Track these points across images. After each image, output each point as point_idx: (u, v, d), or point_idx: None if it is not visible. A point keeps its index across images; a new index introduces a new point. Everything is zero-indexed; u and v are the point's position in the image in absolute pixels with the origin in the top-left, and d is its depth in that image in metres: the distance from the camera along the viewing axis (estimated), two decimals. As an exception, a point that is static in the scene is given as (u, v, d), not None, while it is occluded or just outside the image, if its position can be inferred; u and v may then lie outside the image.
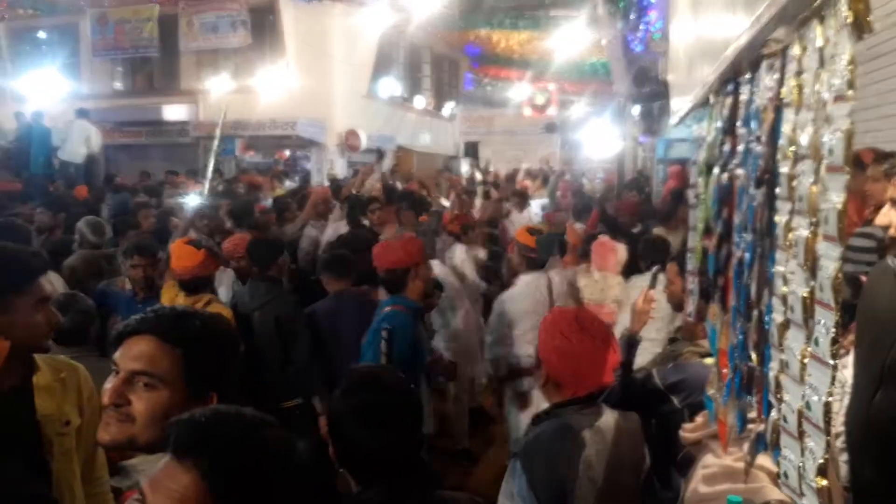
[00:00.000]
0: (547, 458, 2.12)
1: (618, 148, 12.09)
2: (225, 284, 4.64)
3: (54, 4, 16.15)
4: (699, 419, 2.11)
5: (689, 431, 2.12)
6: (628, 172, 12.89)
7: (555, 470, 2.09)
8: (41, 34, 17.46)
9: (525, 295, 4.32)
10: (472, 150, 23.59)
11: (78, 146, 11.06)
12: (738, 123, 1.66)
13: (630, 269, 5.21)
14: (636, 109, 12.22)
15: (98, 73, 17.04)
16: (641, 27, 11.47)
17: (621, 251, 4.37)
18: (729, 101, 1.76)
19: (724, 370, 1.76)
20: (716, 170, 1.90)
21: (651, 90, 10.33)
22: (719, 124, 1.85)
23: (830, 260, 1.00)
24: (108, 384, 1.38)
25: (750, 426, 1.55)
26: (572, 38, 14.34)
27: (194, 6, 15.29)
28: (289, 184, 12.56)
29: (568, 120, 22.98)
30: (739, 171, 1.61)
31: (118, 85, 17.51)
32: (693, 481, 1.88)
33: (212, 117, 15.72)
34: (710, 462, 1.85)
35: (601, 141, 15.58)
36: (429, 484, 1.78)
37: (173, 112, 16.01)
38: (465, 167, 20.34)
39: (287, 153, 17.35)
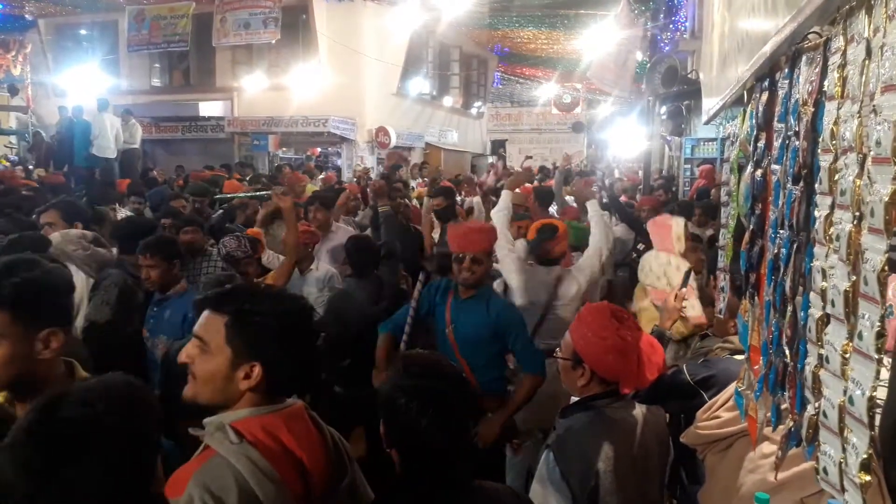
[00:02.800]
0: (579, 449, 2.13)
1: (644, 147, 11.98)
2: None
3: (95, 1, 16.48)
4: (725, 415, 2.11)
5: (714, 428, 2.12)
6: (655, 172, 12.79)
7: (587, 461, 2.10)
8: (82, 31, 17.87)
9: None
10: (498, 148, 23.59)
11: (106, 140, 11.19)
12: (775, 119, 1.66)
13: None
14: (664, 109, 12.11)
15: (136, 70, 17.41)
16: (671, 27, 11.40)
17: (677, 225, 3.91)
18: (765, 97, 1.76)
19: (756, 366, 1.76)
20: (749, 166, 1.90)
21: (679, 90, 10.22)
22: (754, 121, 1.85)
23: (876, 253, 0.98)
24: None
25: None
26: (601, 38, 14.25)
27: (229, 3, 15.52)
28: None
29: (595, 119, 22.84)
30: (776, 167, 1.61)
31: (156, 81, 17.85)
32: (754, 473, 1.85)
33: (246, 114, 15.98)
34: (772, 449, 1.80)
35: (628, 140, 15.45)
36: (472, 473, 1.78)
37: (209, 108, 16.27)
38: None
39: (318, 150, 17.53)
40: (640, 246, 6.44)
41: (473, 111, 22.21)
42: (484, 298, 3.44)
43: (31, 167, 11.18)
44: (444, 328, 3.45)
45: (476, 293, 3.43)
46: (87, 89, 13.92)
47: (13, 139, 14.34)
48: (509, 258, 4.15)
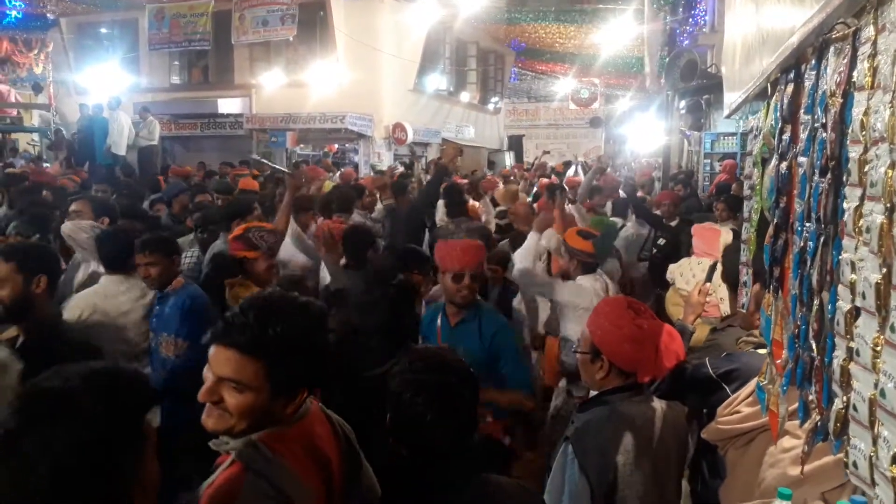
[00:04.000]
0: (598, 443, 2.13)
1: (663, 142, 11.89)
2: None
3: (115, 0, 16.66)
4: (746, 409, 2.09)
5: (735, 423, 2.10)
6: (674, 167, 12.71)
7: (606, 455, 2.10)
8: (103, 29, 18.05)
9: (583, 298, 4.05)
10: (515, 144, 23.51)
11: (119, 138, 11.31)
12: (801, 111, 1.64)
13: (670, 263, 5.13)
14: (683, 103, 12.01)
15: (156, 68, 17.56)
16: (690, 21, 11.29)
17: (726, 233, 3.81)
18: (790, 88, 1.74)
19: (778, 360, 1.75)
20: (774, 159, 1.88)
21: (699, 84, 10.13)
22: (778, 113, 1.83)
23: (912, 244, 0.96)
24: (206, 381, 1.53)
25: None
26: (618, 33, 14.17)
27: (247, 1, 15.62)
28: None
29: (613, 114, 22.71)
30: (802, 159, 1.59)
31: (175, 79, 18.00)
32: (775, 468, 1.84)
33: (264, 110, 16.08)
34: (793, 444, 1.80)
35: (646, 135, 15.34)
36: (478, 467, 1.78)
37: (227, 105, 16.39)
38: (508, 160, 20.30)
39: (336, 146, 17.58)
40: (661, 241, 6.41)
41: (490, 107, 22.16)
42: (476, 319, 3.24)
43: (46, 165, 11.29)
44: None
45: (465, 315, 3.25)
46: (108, 87, 14.07)
47: (35, 136, 14.54)
48: (539, 276, 4.09)
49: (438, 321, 3.32)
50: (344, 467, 1.69)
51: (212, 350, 1.52)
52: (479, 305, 3.35)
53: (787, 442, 1.84)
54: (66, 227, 4.08)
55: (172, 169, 10.56)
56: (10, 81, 14.01)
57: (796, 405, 1.65)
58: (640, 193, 8.67)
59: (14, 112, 13.72)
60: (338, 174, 11.43)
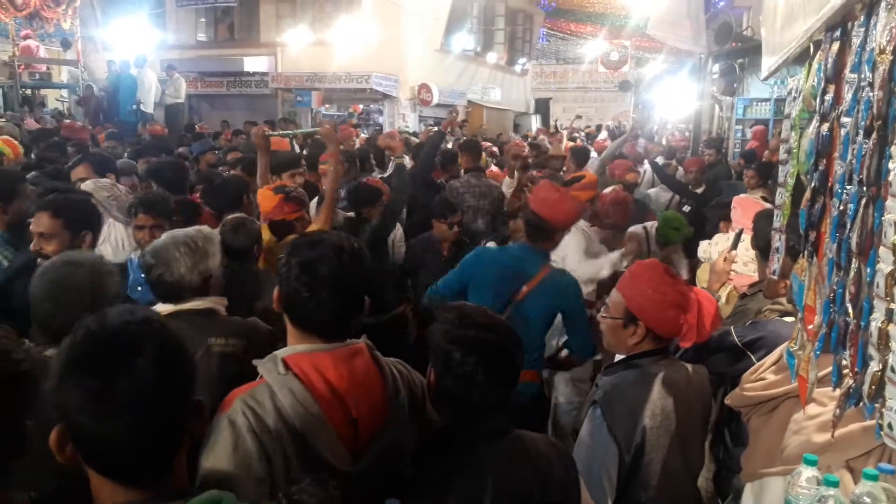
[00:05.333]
0: (628, 406, 2.14)
1: (694, 107, 11.64)
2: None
3: (143, -45, 16.57)
4: (771, 377, 2.08)
5: (759, 390, 2.09)
6: (704, 133, 12.50)
7: (635, 418, 2.11)
8: (130, -16, 17.97)
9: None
10: (542, 107, 23.19)
11: (146, 96, 11.36)
12: (847, 70, 1.59)
13: (697, 231, 5.08)
14: (716, 67, 11.72)
15: (182, 24, 17.54)
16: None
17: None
18: (835, 47, 1.69)
19: (810, 326, 1.73)
20: (814, 121, 1.83)
21: (733, 47, 9.87)
22: (822, 73, 1.78)
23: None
24: None
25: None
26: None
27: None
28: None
29: (642, 78, 22.24)
30: (846, 120, 1.54)
31: (201, 36, 17.97)
32: (799, 434, 1.84)
33: (290, 69, 16.02)
34: (818, 411, 1.80)
35: (676, 100, 15.02)
36: (511, 422, 1.80)
37: (253, 64, 16.36)
38: (534, 124, 20.05)
39: (360, 106, 17.51)
40: (686, 207, 6.34)
41: (518, 68, 21.85)
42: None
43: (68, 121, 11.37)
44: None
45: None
46: (135, 44, 14.07)
47: (64, 93, 14.63)
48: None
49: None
50: (384, 413, 1.72)
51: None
52: None
53: (812, 409, 1.84)
54: (88, 186, 4.05)
55: (151, 130, 10.50)
56: (38, 37, 14.04)
57: (827, 370, 1.62)
58: (673, 163, 8.54)
59: (43, 68, 13.79)
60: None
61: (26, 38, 13.20)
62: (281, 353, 1.67)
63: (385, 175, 6.49)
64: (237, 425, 1.53)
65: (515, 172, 6.06)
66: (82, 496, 1.23)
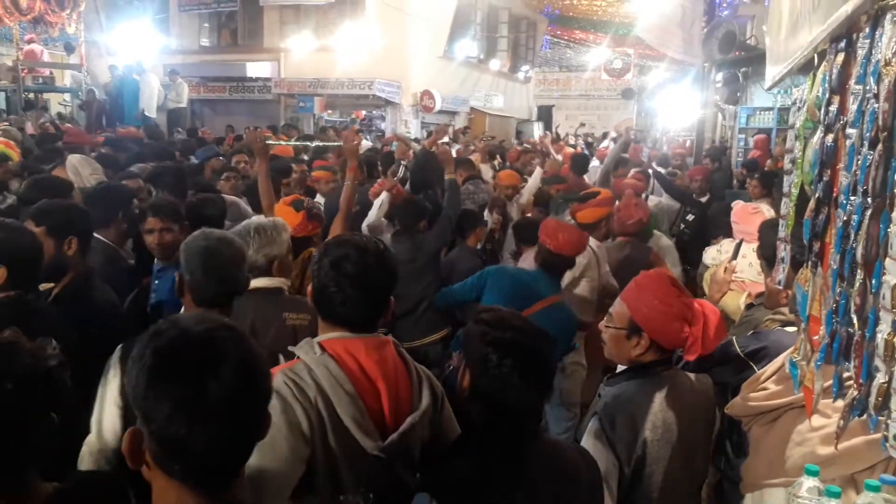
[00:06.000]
0: (628, 417, 2.12)
1: (697, 116, 11.66)
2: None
3: (147, -41, 16.63)
4: (772, 387, 2.06)
5: (761, 400, 2.07)
6: (707, 142, 12.51)
7: (635, 429, 2.10)
8: (134, -11, 18.03)
9: None
10: (545, 115, 23.21)
11: (149, 101, 11.41)
12: (851, 81, 1.58)
13: (698, 239, 5.10)
14: (720, 76, 11.73)
15: (186, 29, 17.57)
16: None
17: (768, 212, 3.66)
18: (840, 58, 1.69)
19: (815, 337, 1.72)
20: (819, 132, 1.83)
21: (737, 56, 9.88)
22: (826, 84, 1.77)
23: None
24: None
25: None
26: (654, 1, 13.78)
27: (278, -39, 15.52)
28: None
29: (645, 86, 22.26)
30: (851, 131, 1.54)
31: (205, 41, 18.01)
32: (803, 446, 1.84)
33: (293, 75, 16.05)
34: (822, 422, 1.80)
35: (679, 108, 15.04)
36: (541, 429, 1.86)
37: (256, 69, 16.39)
38: (537, 131, 20.07)
39: (363, 112, 17.55)
40: (690, 216, 6.34)
41: (520, 75, 21.86)
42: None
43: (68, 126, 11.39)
44: None
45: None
46: (138, 49, 14.12)
47: (67, 97, 14.67)
48: None
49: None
50: (410, 404, 1.81)
51: None
52: None
53: (816, 421, 1.82)
54: (73, 159, 4.18)
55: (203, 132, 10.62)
56: (42, 41, 14.09)
57: (830, 382, 1.62)
58: (679, 173, 8.53)
59: (46, 72, 13.83)
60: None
61: (30, 42, 13.24)
62: (315, 339, 1.79)
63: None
64: (282, 394, 1.64)
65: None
66: (104, 489, 1.33)
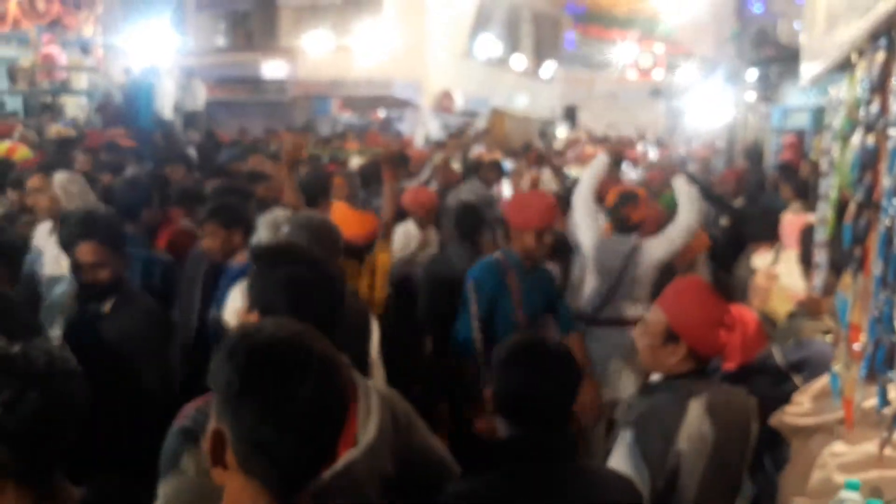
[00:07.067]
0: (661, 428, 2.09)
1: (728, 116, 11.28)
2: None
3: (163, -40, 16.68)
4: (806, 403, 2.09)
5: (797, 416, 2.09)
6: (739, 142, 12.17)
7: (669, 441, 2.06)
8: (150, -10, 18.14)
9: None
10: (570, 114, 22.86)
11: (164, 102, 11.42)
12: (894, 79, 1.54)
13: (734, 244, 4.96)
14: (752, 74, 11.41)
15: (201, 30, 17.72)
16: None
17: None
18: (881, 56, 1.64)
19: (854, 344, 1.72)
20: (858, 132, 1.78)
21: (770, 54, 9.53)
22: (867, 83, 1.73)
23: None
24: None
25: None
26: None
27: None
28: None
29: (674, 85, 21.83)
30: (893, 131, 1.49)
31: (220, 41, 18.04)
32: (821, 470, 1.84)
33: (309, 76, 15.95)
34: (843, 450, 1.81)
35: (710, 108, 14.62)
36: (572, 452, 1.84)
37: (272, 70, 16.42)
38: (561, 132, 19.73)
39: (381, 114, 17.36)
40: (722, 221, 6.11)
41: (544, 74, 21.61)
42: (542, 264, 3.52)
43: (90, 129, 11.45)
44: (509, 313, 3.35)
45: (538, 261, 3.46)
46: (154, 49, 14.12)
47: (84, 99, 14.73)
48: (587, 222, 4.12)
49: (513, 276, 3.39)
50: (353, 432, 1.73)
51: None
52: None
53: (837, 447, 1.86)
54: (61, 178, 4.02)
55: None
56: (59, 43, 14.19)
57: (873, 401, 1.59)
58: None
59: (63, 74, 13.89)
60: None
61: (48, 43, 13.30)
62: None
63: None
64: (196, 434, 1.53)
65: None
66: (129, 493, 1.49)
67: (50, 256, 3.63)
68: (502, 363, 1.82)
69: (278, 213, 3.22)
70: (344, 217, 3.54)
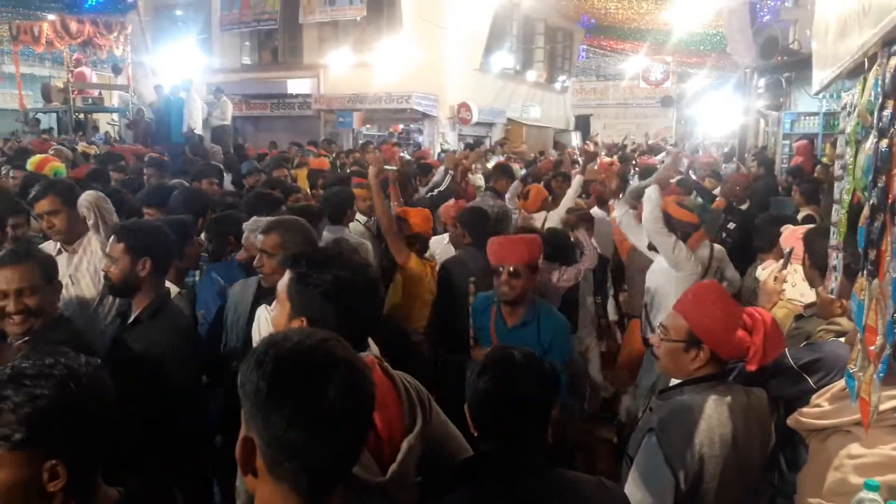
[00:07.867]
0: (685, 432, 2.07)
1: (738, 123, 11.42)
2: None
3: (191, -19, 17.12)
4: (825, 405, 2.03)
5: (814, 418, 2.03)
6: (750, 149, 12.26)
7: (693, 446, 2.05)
8: (178, 11, 18.62)
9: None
10: (583, 124, 23.08)
11: (194, 118, 11.65)
12: (907, 84, 1.51)
13: (742, 249, 4.93)
14: (762, 81, 11.52)
15: (228, 49, 18.04)
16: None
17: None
18: (893, 61, 1.65)
19: (871, 347, 1.65)
20: (872, 137, 1.78)
21: (780, 61, 9.69)
22: (878, 88, 1.73)
23: None
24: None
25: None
26: (693, 7, 13.65)
27: (317, -20, 15.80)
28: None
29: (685, 93, 21.98)
30: (906, 136, 1.46)
31: (246, 59, 18.41)
32: (837, 471, 1.82)
33: (332, 91, 16.30)
34: (860, 451, 1.79)
35: (720, 115, 14.78)
36: (548, 462, 1.78)
37: (296, 86, 16.67)
38: (575, 141, 19.96)
39: (401, 126, 17.67)
40: (731, 225, 6.19)
41: (557, 85, 21.80)
42: (534, 322, 3.22)
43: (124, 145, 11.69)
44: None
45: (524, 317, 3.23)
46: (182, 68, 14.48)
47: (115, 116, 15.12)
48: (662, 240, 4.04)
49: (492, 317, 3.30)
50: (403, 424, 1.75)
51: None
52: (536, 305, 3.30)
53: (854, 449, 1.82)
54: (89, 197, 3.72)
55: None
56: (91, 63, 14.60)
57: (892, 394, 1.61)
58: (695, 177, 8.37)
59: (95, 93, 14.29)
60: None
61: (78, 63, 13.71)
62: None
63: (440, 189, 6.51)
64: None
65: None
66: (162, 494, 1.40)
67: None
68: (475, 377, 1.78)
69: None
70: (417, 213, 4.15)
